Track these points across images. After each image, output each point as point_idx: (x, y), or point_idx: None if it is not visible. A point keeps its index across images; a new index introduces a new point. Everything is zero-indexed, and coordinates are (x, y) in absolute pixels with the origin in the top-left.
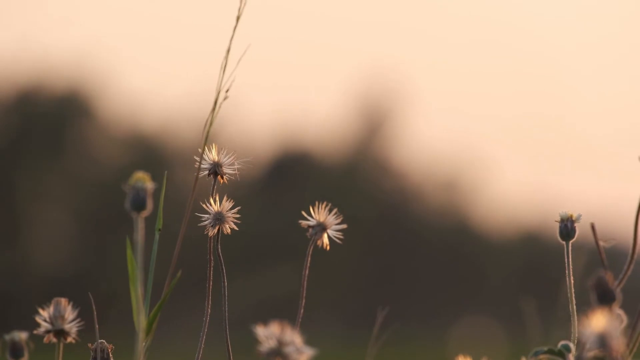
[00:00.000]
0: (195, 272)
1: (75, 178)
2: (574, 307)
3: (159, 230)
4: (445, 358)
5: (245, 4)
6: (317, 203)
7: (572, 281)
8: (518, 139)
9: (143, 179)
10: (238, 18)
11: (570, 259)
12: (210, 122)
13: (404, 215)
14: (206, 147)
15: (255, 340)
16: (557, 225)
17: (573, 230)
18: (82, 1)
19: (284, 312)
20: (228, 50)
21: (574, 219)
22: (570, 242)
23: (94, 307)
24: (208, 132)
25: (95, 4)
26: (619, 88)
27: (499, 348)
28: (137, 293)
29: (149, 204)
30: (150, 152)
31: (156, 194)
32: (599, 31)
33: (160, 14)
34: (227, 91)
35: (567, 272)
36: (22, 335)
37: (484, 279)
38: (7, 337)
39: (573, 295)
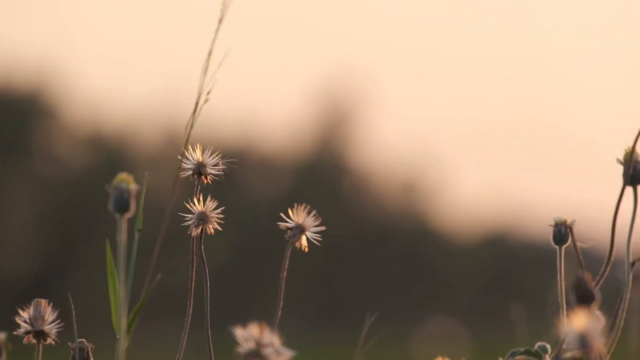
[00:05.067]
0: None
1: (38, 179)
2: (564, 312)
3: (139, 230)
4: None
5: (228, 8)
6: (295, 205)
7: (563, 287)
8: (479, 141)
9: (127, 180)
10: (220, 20)
11: (562, 264)
12: (191, 124)
13: (363, 217)
14: (190, 148)
15: (230, 344)
16: (551, 229)
17: (566, 234)
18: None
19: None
20: (210, 53)
21: (568, 223)
22: (563, 247)
23: (72, 307)
24: (189, 133)
25: (55, 4)
26: (586, 87)
27: (461, 349)
28: (117, 294)
29: (132, 206)
30: (114, 153)
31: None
32: (567, 31)
33: (121, 13)
34: (208, 93)
35: (558, 277)
36: (1, 336)
37: (444, 280)
38: None
39: (564, 300)
